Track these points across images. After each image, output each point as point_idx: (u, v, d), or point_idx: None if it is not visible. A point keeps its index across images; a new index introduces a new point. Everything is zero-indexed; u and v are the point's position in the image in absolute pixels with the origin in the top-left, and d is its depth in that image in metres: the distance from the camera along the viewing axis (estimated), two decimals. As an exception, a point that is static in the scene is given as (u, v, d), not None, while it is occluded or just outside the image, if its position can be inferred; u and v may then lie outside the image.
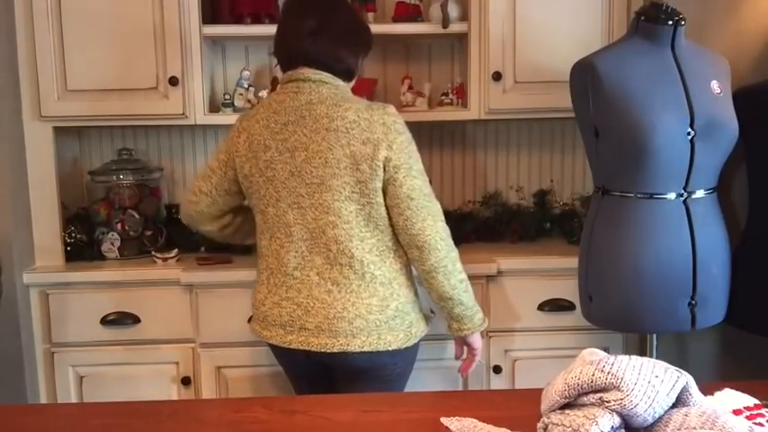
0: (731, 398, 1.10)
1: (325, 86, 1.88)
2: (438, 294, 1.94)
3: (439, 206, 1.91)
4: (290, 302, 1.90)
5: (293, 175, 1.85)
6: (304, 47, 1.89)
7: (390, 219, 1.88)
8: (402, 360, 1.97)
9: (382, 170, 1.82)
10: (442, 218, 1.91)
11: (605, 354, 0.99)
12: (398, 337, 1.91)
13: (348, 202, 1.83)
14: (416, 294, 1.98)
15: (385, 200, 1.86)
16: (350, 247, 1.85)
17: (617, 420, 0.90)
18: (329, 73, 1.90)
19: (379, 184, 1.84)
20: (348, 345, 1.87)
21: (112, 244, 2.59)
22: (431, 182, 2.78)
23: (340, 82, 1.92)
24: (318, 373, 2.00)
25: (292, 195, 1.86)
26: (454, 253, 1.92)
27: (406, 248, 1.92)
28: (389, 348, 1.90)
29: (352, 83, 2.00)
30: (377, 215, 1.86)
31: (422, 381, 2.40)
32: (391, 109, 1.89)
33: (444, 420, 1.22)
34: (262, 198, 1.91)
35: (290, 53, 1.92)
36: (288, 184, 1.86)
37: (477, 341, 2.05)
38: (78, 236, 2.59)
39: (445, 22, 2.54)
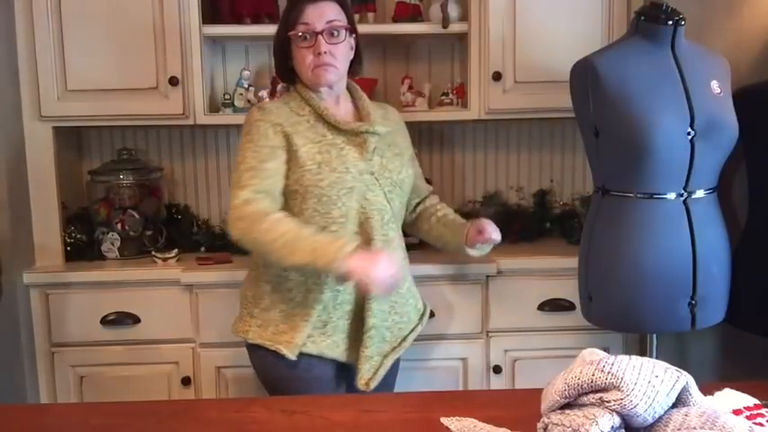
0: (731, 398, 1.10)
1: None
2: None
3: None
4: None
5: None
6: None
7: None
8: (253, 360, 1.98)
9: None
10: None
11: (605, 354, 0.99)
12: (237, 325, 1.99)
13: None
14: (259, 306, 1.93)
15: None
16: None
17: (617, 420, 0.90)
18: None
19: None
20: None
21: (112, 244, 2.59)
22: (430, 182, 2.82)
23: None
24: None
25: None
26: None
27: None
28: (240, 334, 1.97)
29: (296, 82, 1.95)
30: None
31: (422, 381, 2.40)
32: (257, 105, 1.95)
33: (444, 420, 1.22)
34: None
35: None
36: None
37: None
38: (78, 236, 2.58)
39: (445, 22, 2.54)
